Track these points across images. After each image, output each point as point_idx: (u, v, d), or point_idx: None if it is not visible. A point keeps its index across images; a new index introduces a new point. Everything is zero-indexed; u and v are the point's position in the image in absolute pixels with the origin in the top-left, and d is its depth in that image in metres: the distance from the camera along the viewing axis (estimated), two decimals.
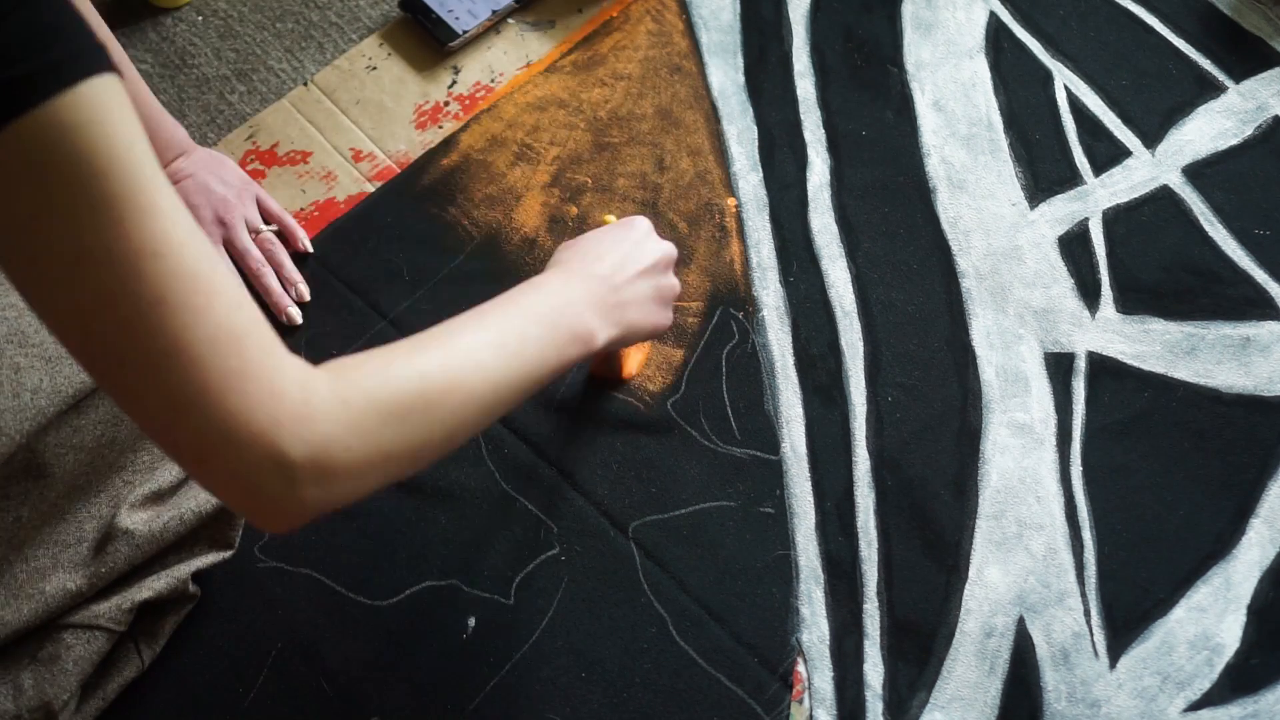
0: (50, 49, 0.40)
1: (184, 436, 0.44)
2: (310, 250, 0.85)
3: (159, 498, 0.67)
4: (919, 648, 0.74)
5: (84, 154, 0.40)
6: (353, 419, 0.46)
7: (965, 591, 0.75)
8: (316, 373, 0.46)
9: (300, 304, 0.82)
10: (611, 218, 0.73)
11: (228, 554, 0.70)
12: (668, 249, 0.70)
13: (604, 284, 0.64)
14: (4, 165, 0.40)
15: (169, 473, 0.68)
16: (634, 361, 0.81)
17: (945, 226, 0.89)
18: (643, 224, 0.70)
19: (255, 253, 0.82)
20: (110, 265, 0.41)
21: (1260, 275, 0.87)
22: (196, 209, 0.81)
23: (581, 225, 0.87)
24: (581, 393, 0.80)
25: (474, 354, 0.54)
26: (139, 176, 0.41)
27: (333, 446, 0.45)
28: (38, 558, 0.63)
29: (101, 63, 0.41)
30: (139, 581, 0.66)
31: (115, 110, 0.41)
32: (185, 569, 0.68)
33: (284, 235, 0.85)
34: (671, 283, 0.70)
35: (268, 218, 0.85)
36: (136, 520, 0.65)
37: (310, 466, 0.44)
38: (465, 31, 0.94)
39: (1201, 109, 0.94)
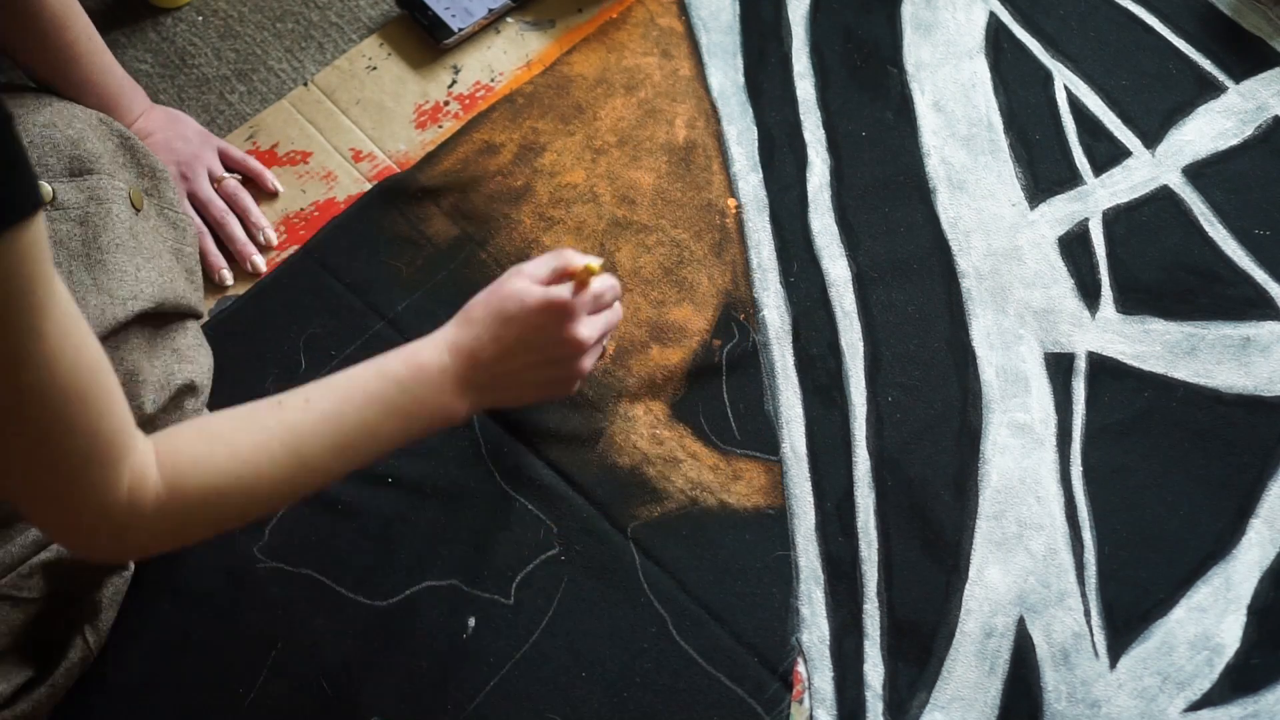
0: None
1: (27, 515, 0.52)
2: (279, 189, 0.87)
3: None
4: (919, 648, 0.74)
5: None
6: (170, 528, 0.52)
7: (965, 591, 0.75)
8: (148, 484, 0.50)
9: (298, 302, 0.82)
10: (595, 265, 0.64)
11: None
12: (579, 338, 0.63)
13: (485, 371, 0.62)
14: None
15: None
16: None
17: (945, 227, 0.89)
18: (568, 312, 0.62)
19: (218, 202, 0.84)
20: None
21: (1260, 275, 0.87)
22: None
23: (578, 227, 0.87)
24: None
25: (312, 455, 0.56)
26: (25, 333, 0.43)
27: (147, 547, 0.53)
28: None
29: (25, 208, 0.41)
30: (37, 546, 0.65)
31: (25, 264, 0.41)
32: None
33: (252, 182, 0.87)
34: (572, 371, 0.65)
35: (231, 165, 0.86)
36: None
37: (121, 557, 0.56)
38: (461, 30, 0.94)
39: (1201, 109, 0.94)
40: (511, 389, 0.64)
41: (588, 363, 0.66)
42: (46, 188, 0.66)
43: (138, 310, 0.67)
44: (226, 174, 0.85)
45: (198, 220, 0.83)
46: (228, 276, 0.83)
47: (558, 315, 0.62)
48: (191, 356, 0.73)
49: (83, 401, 0.46)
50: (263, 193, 0.87)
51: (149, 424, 0.70)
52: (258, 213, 0.85)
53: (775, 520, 0.77)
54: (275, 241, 0.85)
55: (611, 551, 0.76)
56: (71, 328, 0.45)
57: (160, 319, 0.72)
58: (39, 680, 0.65)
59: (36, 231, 0.42)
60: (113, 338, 0.66)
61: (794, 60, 0.97)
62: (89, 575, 0.67)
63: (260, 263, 0.83)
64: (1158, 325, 0.85)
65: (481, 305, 0.64)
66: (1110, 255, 0.88)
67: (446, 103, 0.93)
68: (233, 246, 0.83)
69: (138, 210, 0.72)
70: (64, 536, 0.52)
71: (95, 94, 0.79)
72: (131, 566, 0.68)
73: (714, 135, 0.92)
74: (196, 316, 0.77)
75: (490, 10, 0.95)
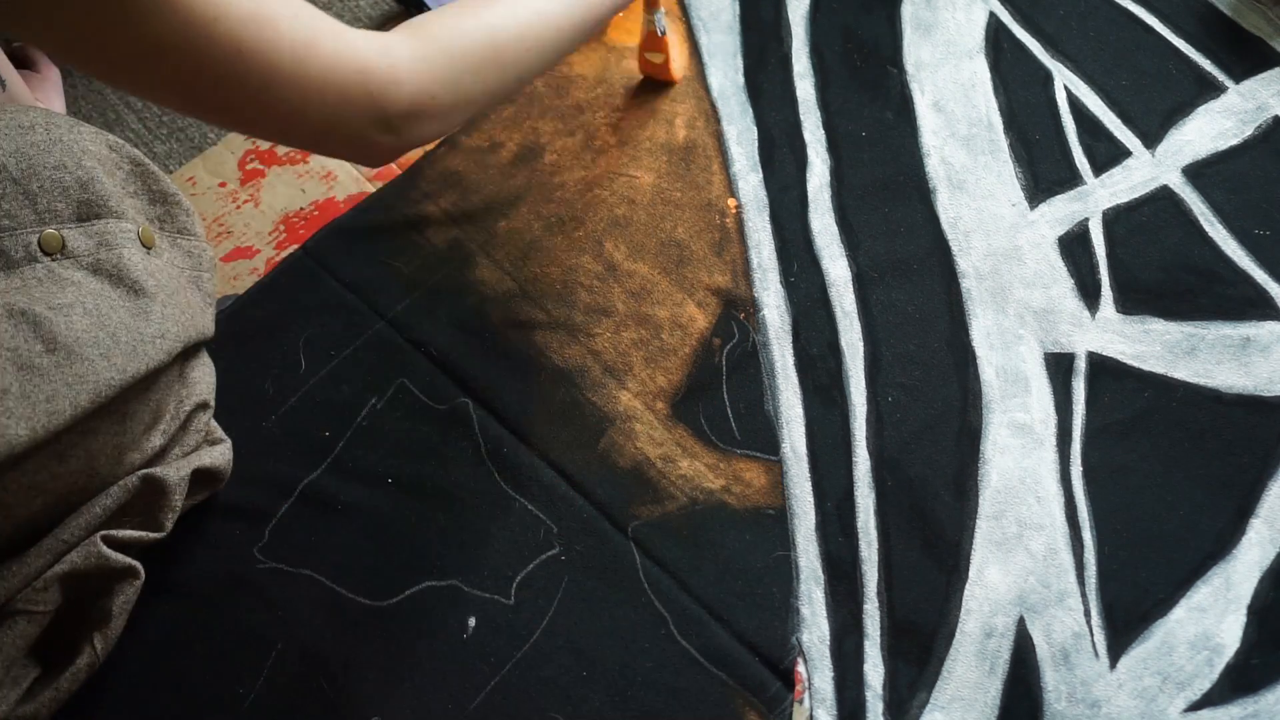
0: None
1: (305, 135, 0.54)
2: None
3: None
4: (919, 648, 0.74)
5: None
6: (435, 74, 0.55)
7: (965, 592, 0.75)
8: (394, 39, 0.54)
9: (297, 302, 0.82)
10: None
11: (158, 535, 0.69)
12: None
13: None
14: None
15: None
16: (679, 66, 0.91)
17: (945, 227, 0.89)
18: None
19: None
20: (184, 46, 0.46)
21: (1260, 275, 0.87)
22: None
23: (578, 227, 0.87)
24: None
25: (538, 4, 0.60)
26: None
27: (421, 98, 0.54)
28: None
29: None
30: (54, 558, 0.65)
31: None
32: (102, 542, 0.66)
33: None
34: None
35: None
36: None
37: (406, 117, 0.54)
38: None
39: (1201, 109, 0.94)
40: None
41: None
42: (56, 235, 0.65)
43: (168, 350, 0.67)
44: None
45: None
46: None
47: None
48: (198, 378, 0.73)
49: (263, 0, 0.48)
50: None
51: (159, 457, 0.70)
52: None
53: (775, 520, 0.77)
54: None
55: (612, 551, 0.76)
56: None
57: (179, 359, 0.72)
58: (42, 682, 0.65)
59: None
60: (145, 378, 0.66)
61: (794, 60, 0.97)
62: (101, 583, 0.67)
63: None
64: (1158, 325, 0.85)
65: None
66: (1110, 255, 0.88)
67: None
68: None
69: (149, 249, 0.71)
70: (347, 129, 0.52)
71: None
72: (143, 574, 0.68)
73: (714, 135, 0.92)
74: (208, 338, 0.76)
75: None
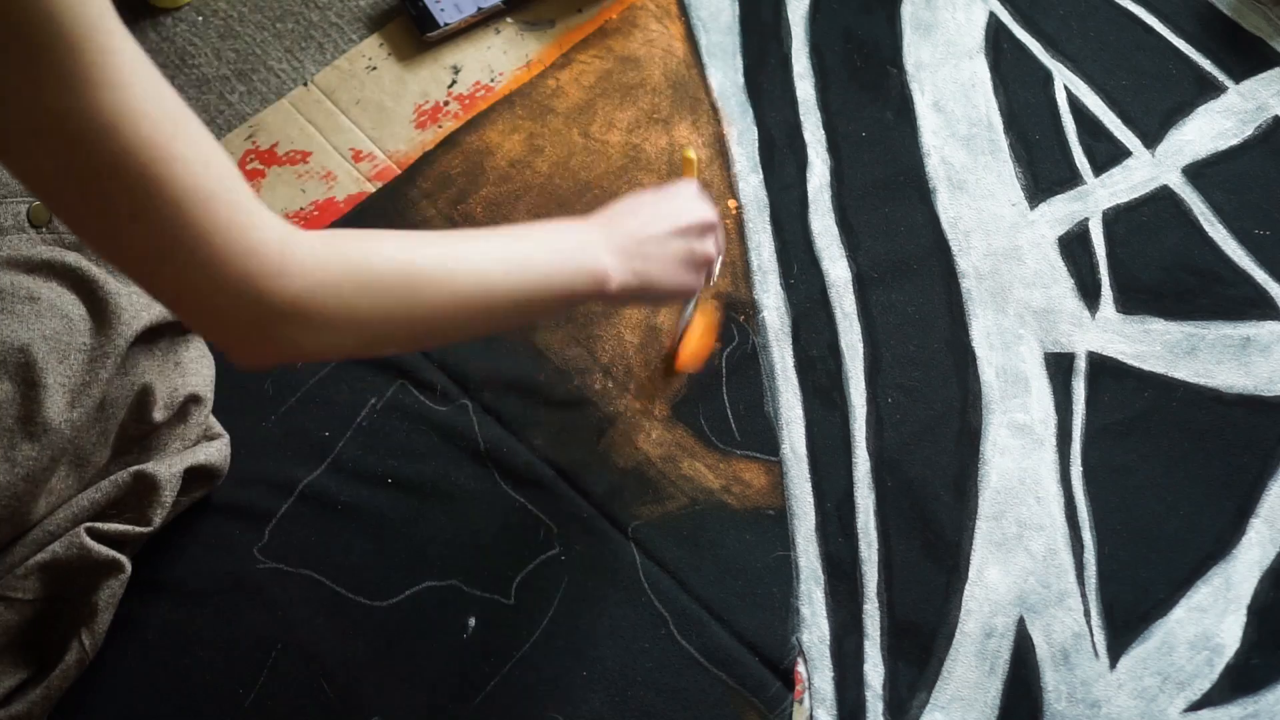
0: None
1: (162, 285, 0.46)
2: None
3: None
4: (919, 648, 0.74)
5: (39, 20, 0.39)
6: (328, 281, 0.48)
7: (965, 592, 0.75)
8: (301, 234, 0.47)
9: None
10: (691, 153, 0.74)
11: (145, 530, 0.68)
12: (707, 214, 0.66)
13: (628, 235, 0.62)
14: None
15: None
16: (688, 356, 0.80)
17: (945, 227, 0.89)
18: (688, 188, 0.68)
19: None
20: (66, 137, 0.41)
21: (1260, 275, 0.87)
22: None
23: None
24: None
25: (471, 258, 0.54)
26: (94, 45, 0.40)
27: (305, 302, 0.47)
28: None
29: None
30: (36, 546, 0.65)
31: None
32: (85, 534, 0.66)
33: None
34: (705, 248, 0.66)
35: None
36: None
37: (281, 318, 0.46)
38: (447, 24, 0.94)
39: (1201, 109, 0.94)
40: (655, 259, 0.63)
41: (712, 246, 0.67)
42: (44, 207, 0.65)
43: (140, 327, 0.67)
44: None
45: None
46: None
47: (682, 186, 0.67)
48: (195, 369, 0.73)
49: (175, 134, 0.43)
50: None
51: (157, 433, 0.70)
52: None
53: (775, 520, 0.77)
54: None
55: (612, 551, 0.76)
56: (137, 63, 0.42)
57: (169, 336, 0.72)
58: (34, 681, 0.65)
59: None
60: (126, 358, 0.66)
61: (794, 61, 0.97)
62: (85, 577, 0.67)
63: None
64: (1158, 325, 0.85)
65: (611, 204, 0.65)
66: (1110, 255, 0.88)
67: (446, 103, 0.93)
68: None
69: None
70: (213, 302, 0.45)
71: None
72: (128, 568, 0.68)
73: (714, 136, 0.92)
74: None
75: (479, 9, 0.95)
